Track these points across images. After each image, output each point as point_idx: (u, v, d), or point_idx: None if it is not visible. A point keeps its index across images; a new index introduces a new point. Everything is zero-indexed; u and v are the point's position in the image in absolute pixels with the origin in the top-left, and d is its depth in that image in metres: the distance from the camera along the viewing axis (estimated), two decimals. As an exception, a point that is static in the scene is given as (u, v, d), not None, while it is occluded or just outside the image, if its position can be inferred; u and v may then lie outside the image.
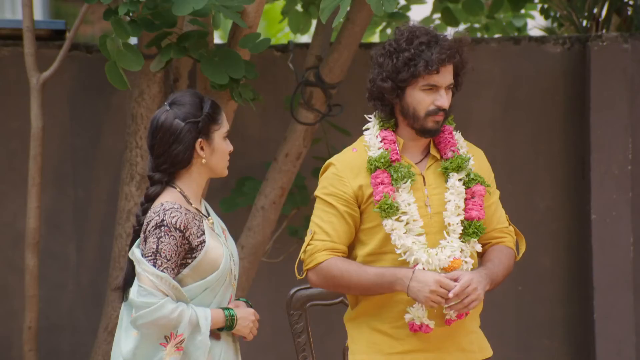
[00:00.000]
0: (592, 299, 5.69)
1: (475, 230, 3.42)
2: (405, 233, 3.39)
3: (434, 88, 3.42)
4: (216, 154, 3.42)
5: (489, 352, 3.58)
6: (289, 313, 3.95)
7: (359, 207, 3.47)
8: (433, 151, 3.50)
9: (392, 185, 3.40)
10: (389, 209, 3.38)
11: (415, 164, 3.49)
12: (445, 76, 3.41)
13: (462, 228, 3.42)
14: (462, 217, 3.42)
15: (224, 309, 3.39)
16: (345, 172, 3.46)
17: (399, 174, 3.40)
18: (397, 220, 3.39)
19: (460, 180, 3.44)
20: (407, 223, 3.40)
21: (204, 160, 3.40)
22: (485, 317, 5.78)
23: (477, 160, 3.54)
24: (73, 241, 5.79)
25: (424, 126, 3.44)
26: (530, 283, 5.88)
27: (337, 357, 4.08)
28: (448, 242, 3.41)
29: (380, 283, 3.38)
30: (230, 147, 3.47)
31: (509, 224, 3.61)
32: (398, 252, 3.38)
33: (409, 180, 3.40)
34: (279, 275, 5.76)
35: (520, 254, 3.63)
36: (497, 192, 3.58)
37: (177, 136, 3.37)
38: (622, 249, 5.69)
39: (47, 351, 5.67)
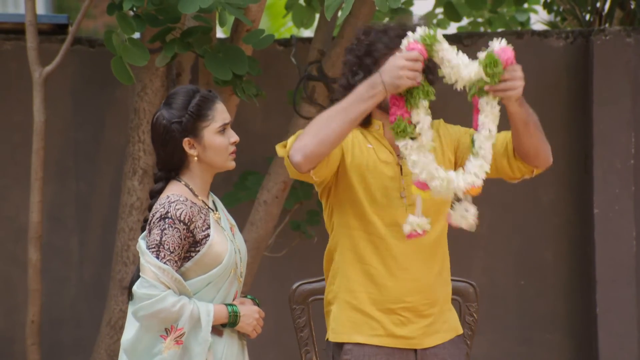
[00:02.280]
0: (595, 293, 5.68)
1: None
2: (417, 149, 3.27)
3: None
4: (209, 150, 3.39)
5: (460, 330, 3.59)
6: (292, 307, 3.95)
7: (343, 160, 3.43)
8: None
9: (406, 107, 3.28)
10: (404, 131, 3.26)
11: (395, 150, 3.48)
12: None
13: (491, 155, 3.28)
14: (493, 142, 3.27)
15: (227, 305, 3.39)
16: None
17: (415, 98, 3.27)
18: (411, 138, 3.28)
19: (495, 100, 3.28)
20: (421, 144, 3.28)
21: (195, 159, 3.39)
22: (488, 311, 5.79)
23: (455, 134, 3.55)
24: (76, 235, 5.80)
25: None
26: (533, 277, 5.88)
27: (340, 351, 4.08)
28: (475, 164, 3.26)
29: (359, 97, 3.25)
30: (234, 138, 3.42)
31: None
32: (410, 168, 3.26)
33: (427, 100, 3.27)
34: (281, 269, 5.76)
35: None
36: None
37: (164, 138, 3.37)
38: (625, 243, 5.68)
39: (50, 345, 5.67)
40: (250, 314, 3.41)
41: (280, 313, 5.32)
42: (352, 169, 3.44)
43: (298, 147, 3.28)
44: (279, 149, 3.39)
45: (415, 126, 3.26)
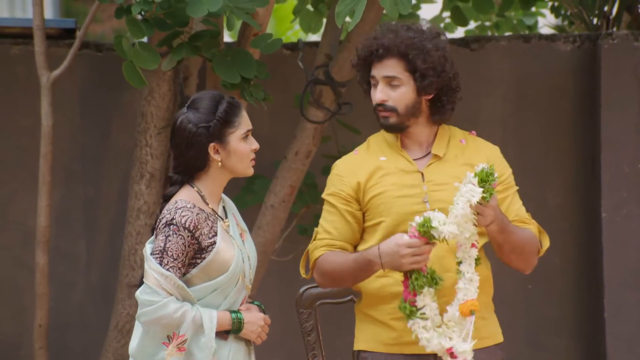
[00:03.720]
0: (603, 297, 5.68)
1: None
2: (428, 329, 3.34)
3: (376, 82, 3.46)
4: (233, 156, 3.39)
5: (499, 338, 3.58)
6: (299, 311, 3.95)
7: (360, 205, 3.49)
8: (435, 149, 3.49)
9: (409, 290, 3.34)
10: (409, 315, 3.33)
11: (414, 160, 3.49)
12: (380, 69, 3.44)
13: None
14: (476, 284, 3.35)
15: (231, 311, 3.38)
16: (344, 171, 3.50)
17: (418, 282, 3.32)
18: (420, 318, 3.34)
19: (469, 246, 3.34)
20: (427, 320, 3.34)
21: (219, 164, 3.39)
22: (495, 315, 5.78)
23: (485, 157, 3.52)
24: (83, 239, 5.80)
25: (379, 122, 3.49)
26: (540, 281, 5.87)
27: (347, 356, 4.08)
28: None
29: (359, 267, 3.40)
30: (255, 145, 3.43)
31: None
32: (421, 343, 3.33)
33: (434, 287, 3.32)
34: (288, 273, 5.76)
35: (544, 249, 3.59)
36: (513, 187, 3.55)
37: (189, 141, 3.36)
38: (633, 247, 5.68)
39: (58, 349, 5.68)
40: (255, 320, 3.41)
41: (287, 317, 5.32)
42: (372, 201, 3.49)
43: (319, 282, 3.56)
44: (302, 269, 3.62)
45: (419, 309, 3.31)
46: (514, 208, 3.53)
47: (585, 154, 5.84)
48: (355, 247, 3.53)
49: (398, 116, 3.45)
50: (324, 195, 3.54)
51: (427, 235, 3.27)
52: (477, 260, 3.35)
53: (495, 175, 3.28)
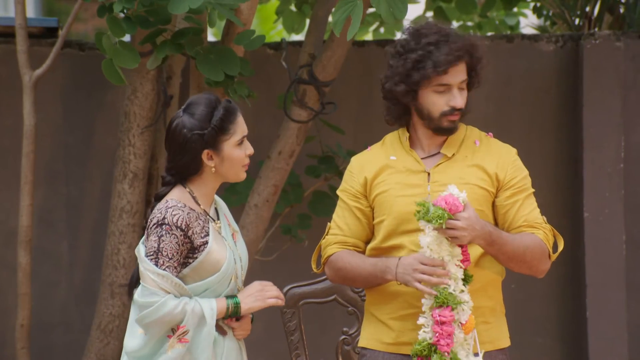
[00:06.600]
0: (585, 296, 5.69)
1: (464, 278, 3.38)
2: None
3: (446, 88, 3.42)
4: (226, 162, 3.38)
5: (503, 343, 3.58)
6: (282, 311, 3.96)
7: (368, 201, 3.51)
8: (444, 149, 3.48)
9: None
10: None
11: (423, 159, 3.48)
12: (457, 75, 3.42)
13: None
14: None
15: (228, 297, 3.39)
16: (355, 167, 3.54)
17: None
18: None
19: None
20: None
21: (213, 170, 3.39)
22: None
23: (495, 160, 3.51)
24: (66, 239, 5.79)
25: (439, 126, 3.44)
26: (523, 281, 5.87)
27: (330, 355, 4.08)
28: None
29: (375, 273, 3.43)
30: (249, 150, 3.42)
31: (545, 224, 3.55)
32: None
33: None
34: (272, 273, 5.75)
35: (557, 253, 3.59)
36: (526, 191, 3.54)
37: (183, 147, 3.35)
38: (615, 247, 5.69)
39: (40, 349, 5.66)
40: (252, 292, 3.44)
41: (271, 317, 5.31)
42: (377, 198, 3.51)
43: (330, 277, 3.59)
44: (313, 264, 3.64)
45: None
46: (523, 213, 3.52)
47: (567, 154, 5.86)
48: (366, 244, 3.55)
49: (462, 117, 3.49)
50: (338, 191, 3.59)
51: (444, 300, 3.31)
52: (470, 277, 3.36)
53: (429, 202, 3.30)
